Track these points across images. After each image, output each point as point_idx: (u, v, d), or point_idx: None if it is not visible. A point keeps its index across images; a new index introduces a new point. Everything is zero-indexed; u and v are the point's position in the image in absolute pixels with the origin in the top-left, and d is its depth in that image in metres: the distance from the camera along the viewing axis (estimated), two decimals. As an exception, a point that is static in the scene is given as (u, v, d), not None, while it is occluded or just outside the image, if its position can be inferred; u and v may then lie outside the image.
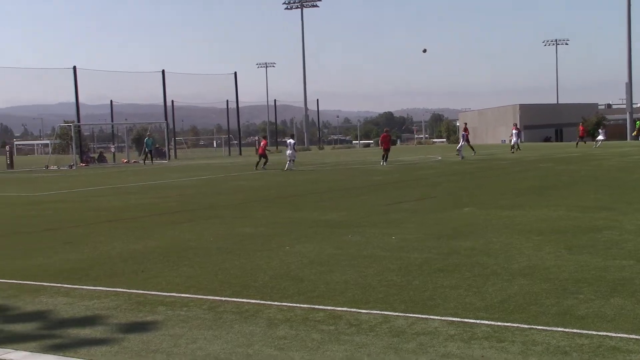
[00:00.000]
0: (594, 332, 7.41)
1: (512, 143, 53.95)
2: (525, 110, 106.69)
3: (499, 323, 7.86)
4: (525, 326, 7.71)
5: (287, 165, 40.61)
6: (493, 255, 11.82)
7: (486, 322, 7.93)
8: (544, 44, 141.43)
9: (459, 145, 47.44)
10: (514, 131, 54.52)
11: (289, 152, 41.49)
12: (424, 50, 27.64)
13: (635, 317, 7.94)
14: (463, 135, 48.35)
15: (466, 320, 8.03)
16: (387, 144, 43.29)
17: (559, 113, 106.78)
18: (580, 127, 62.31)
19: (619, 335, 7.31)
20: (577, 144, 60.02)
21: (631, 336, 7.26)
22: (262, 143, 42.62)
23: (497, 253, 11.98)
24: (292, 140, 42.89)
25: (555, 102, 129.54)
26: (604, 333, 7.38)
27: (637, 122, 73.46)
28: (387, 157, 42.43)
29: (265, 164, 41.24)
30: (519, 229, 14.58)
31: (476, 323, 7.90)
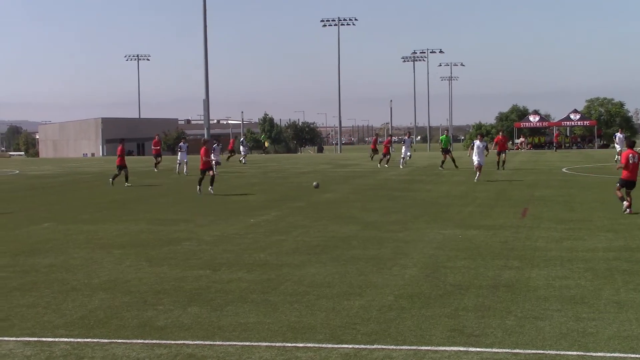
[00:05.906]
0: (172, 342, 7.66)
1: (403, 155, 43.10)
2: (108, 123, 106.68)
3: (79, 339, 7.76)
4: (106, 340, 7.71)
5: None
6: (73, 270, 11.62)
7: (65, 339, 7.77)
8: (126, 58, 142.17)
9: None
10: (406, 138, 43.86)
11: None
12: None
13: (210, 323, 8.37)
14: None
15: (44, 339, 7.79)
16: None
17: (140, 127, 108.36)
18: (374, 139, 50.38)
19: (195, 342, 7.65)
20: (371, 157, 47.00)
21: (206, 342, 7.64)
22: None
23: (78, 268, 11.80)
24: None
25: (137, 117, 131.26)
26: (182, 342, 7.67)
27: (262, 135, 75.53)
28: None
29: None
30: (100, 243, 14.52)
31: (54, 341, 7.71)
